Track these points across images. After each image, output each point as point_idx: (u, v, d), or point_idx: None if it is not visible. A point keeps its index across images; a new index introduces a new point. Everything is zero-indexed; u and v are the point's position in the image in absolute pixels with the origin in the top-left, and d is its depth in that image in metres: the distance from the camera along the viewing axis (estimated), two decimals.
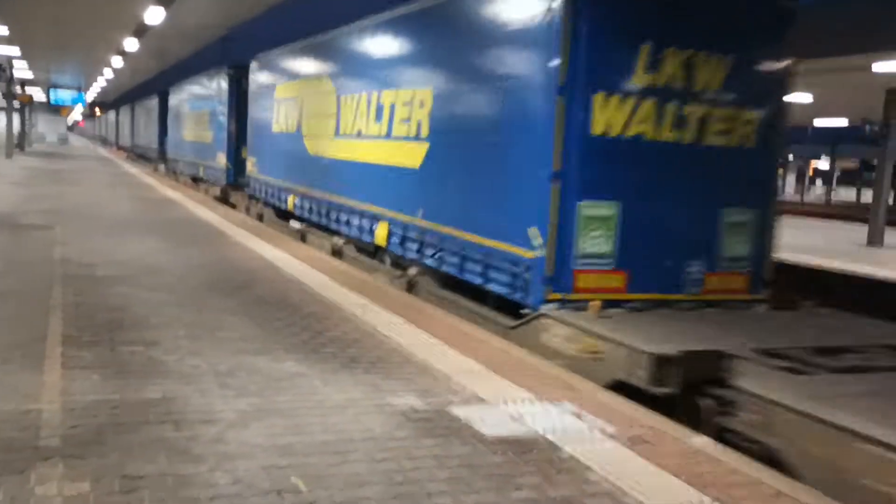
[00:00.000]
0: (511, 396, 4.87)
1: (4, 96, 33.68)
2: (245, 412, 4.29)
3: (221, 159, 20.02)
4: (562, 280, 6.70)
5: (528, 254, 6.87)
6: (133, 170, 31.35)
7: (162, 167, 31.31)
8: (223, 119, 19.67)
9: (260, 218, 16.29)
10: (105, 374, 4.79)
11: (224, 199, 19.75)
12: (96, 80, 44.17)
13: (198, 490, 3.31)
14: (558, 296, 6.69)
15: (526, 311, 6.91)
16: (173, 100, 28.59)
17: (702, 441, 4.24)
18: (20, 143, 40.99)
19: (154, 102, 32.58)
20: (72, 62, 34.99)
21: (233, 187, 19.56)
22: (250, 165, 17.24)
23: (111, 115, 66.05)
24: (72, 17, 19.25)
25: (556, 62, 6.56)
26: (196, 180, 23.88)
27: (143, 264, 8.91)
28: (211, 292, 7.60)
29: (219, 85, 20.18)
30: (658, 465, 3.85)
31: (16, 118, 38.53)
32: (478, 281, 7.72)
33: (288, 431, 4.05)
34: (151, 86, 38.20)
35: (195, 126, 23.44)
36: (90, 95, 55.97)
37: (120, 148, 53.23)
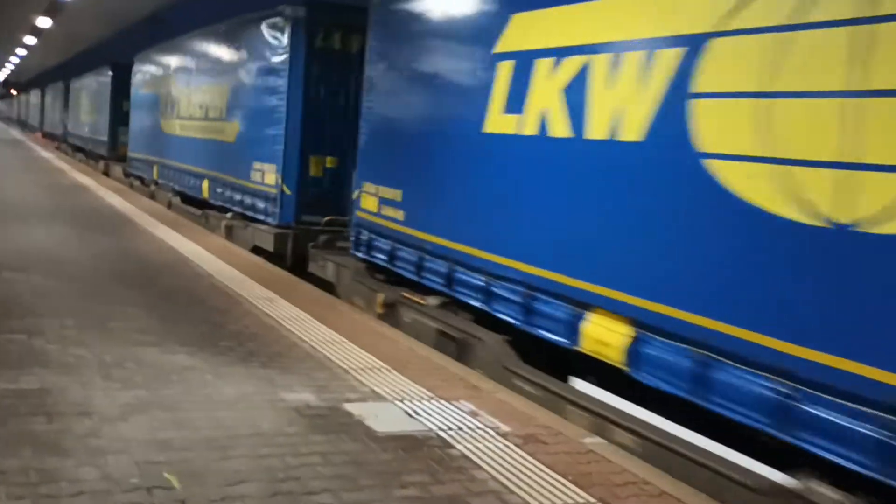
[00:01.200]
0: (410, 394, 4.79)
1: None
2: (127, 405, 4.09)
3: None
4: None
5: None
6: (45, 154, 30.09)
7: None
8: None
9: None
10: None
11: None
12: (9, 59, 42.18)
13: (61, 486, 3.12)
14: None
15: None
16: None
17: (593, 441, 4.24)
18: None
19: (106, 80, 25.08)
20: None
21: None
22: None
23: (34, 96, 56.06)
24: None
25: None
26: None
27: (44, 252, 8.50)
28: (112, 283, 7.29)
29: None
30: (547, 464, 3.83)
31: None
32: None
33: (170, 426, 3.87)
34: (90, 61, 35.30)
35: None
36: (2, 74, 53.43)
37: (46, 136, 43.22)
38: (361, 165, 7.91)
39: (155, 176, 16.30)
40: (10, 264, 7.59)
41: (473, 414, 4.52)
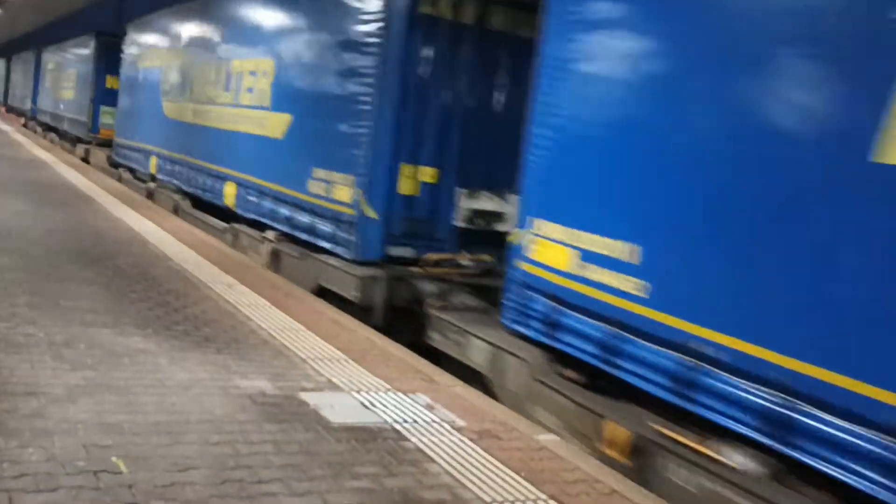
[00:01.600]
0: (366, 385, 4.77)
1: None
2: (75, 386, 4.01)
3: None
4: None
5: None
6: (4, 127, 29.38)
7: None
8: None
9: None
10: None
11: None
12: None
13: (3, 467, 3.04)
14: None
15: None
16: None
17: (547, 438, 4.26)
18: None
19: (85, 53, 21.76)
20: None
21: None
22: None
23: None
24: None
25: None
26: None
27: None
28: (65, 260, 7.14)
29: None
30: (501, 459, 3.84)
31: None
32: None
33: (119, 409, 3.80)
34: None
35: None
36: None
37: (11, 111, 39.08)
38: (533, 193, 5.16)
39: (152, 169, 13.75)
40: None
41: (429, 407, 4.52)
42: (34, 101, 30.76)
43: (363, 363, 5.24)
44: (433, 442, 3.97)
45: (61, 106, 24.78)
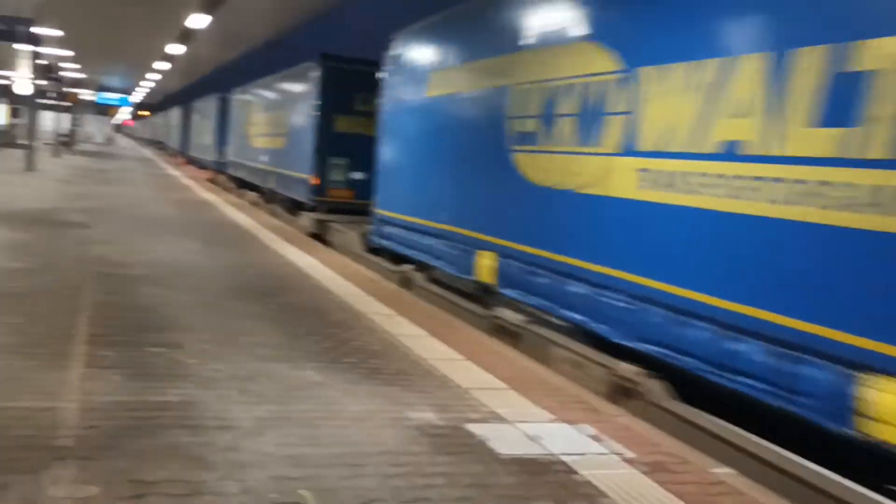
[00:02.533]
0: (530, 415, 4.80)
1: (55, 96, 34.54)
2: (262, 420, 4.28)
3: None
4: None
5: None
6: (174, 172, 31.87)
7: None
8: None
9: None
10: (126, 375, 4.82)
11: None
12: (142, 84, 44.99)
13: (206, 498, 3.30)
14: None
15: None
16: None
17: (724, 472, 4.12)
18: (68, 142, 41.93)
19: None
20: (120, 65, 35.73)
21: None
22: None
23: (174, 113, 47.26)
24: (121, 22, 19.66)
25: None
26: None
27: (175, 265, 9.01)
28: (239, 296, 7.64)
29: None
30: (676, 493, 3.75)
31: (65, 118, 39.46)
32: None
33: (302, 441, 4.02)
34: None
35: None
36: (137, 97, 57.00)
37: (192, 162, 35.70)
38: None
39: (485, 275, 7.83)
40: (157, 279, 8.08)
41: (596, 438, 4.48)
42: (220, 149, 26.26)
43: (525, 393, 5.27)
44: (604, 475, 3.93)
45: (263, 158, 19.80)
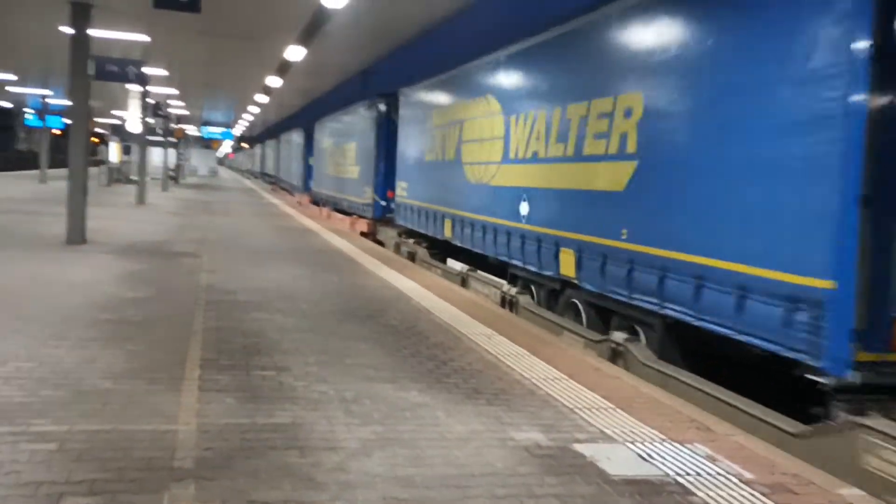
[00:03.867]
0: (640, 435, 4.66)
1: (162, 133, 36.35)
2: (368, 441, 4.32)
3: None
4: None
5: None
6: (274, 200, 32.95)
7: None
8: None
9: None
10: (238, 398, 4.96)
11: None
12: (243, 116, 46.77)
13: None
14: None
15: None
16: None
17: (852, 493, 3.87)
18: (175, 175, 44.02)
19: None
20: (222, 99, 37.31)
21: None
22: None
23: (288, 142, 43.13)
24: (222, 58, 20.54)
25: None
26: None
27: (280, 290, 9.26)
28: (342, 319, 7.78)
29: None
30: None
31: (171, 152, 41.47)
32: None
33: (409, 462, 4.03)
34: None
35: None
36: (238, 130, 59.32)
37: (322, 203, 27.36)
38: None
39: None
40: (262, 305, 8.33)
41: (711, 458, 4.30)
42: (379, 188, 19.27)
43: (632, 412, 5.13)
44: (722, 497, 3.77)
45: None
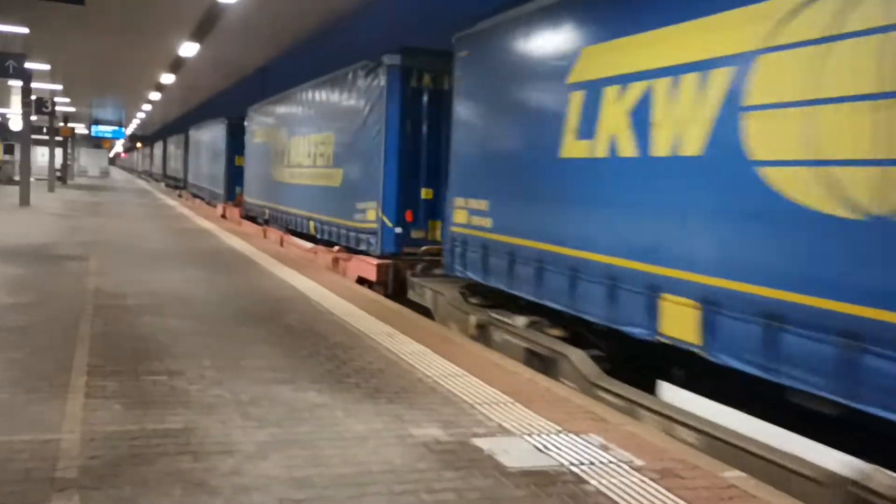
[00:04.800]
0: (537, 427, 4.75)
1: (47, 131, 34.59)
2: (264, 443, 4.23)
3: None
4: None
5: None
6: (171, 202, 31.87)
7: None
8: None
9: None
10: (126, 404, 4.77)
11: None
12: (136, 115, 45.08)
13: None
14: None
15: None
16: None
17: (734, 475, 4.07)
18: (62, 176, 41.96)
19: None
20: (112, 96, 35.83)
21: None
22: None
23: (199, 139, 35.16)
24: (110, 54, 19.72)
25: None
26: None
27: (174, 294, 8.96)
28: (240, 322, 7.60)
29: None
30: (688, 499, 3.70)
31: (58, 152, 39.48)
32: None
33: (307, 463, 3.97)
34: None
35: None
36: (131, 128, 57.14)
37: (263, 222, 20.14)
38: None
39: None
40: (154, 309, 8.04)
41: (604, 447, 4.43)
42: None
43: (530, 406, 5.23)
44: (613, 484, 3.88)
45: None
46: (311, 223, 14.32)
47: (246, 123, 21.87)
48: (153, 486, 3.57)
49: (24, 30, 15.34)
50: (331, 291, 9.71)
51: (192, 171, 35.18)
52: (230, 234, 17.67)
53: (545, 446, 4.41)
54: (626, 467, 4.13)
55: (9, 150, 40.25)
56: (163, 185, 50.14)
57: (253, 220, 20.28)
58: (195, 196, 33.22)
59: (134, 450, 4.02)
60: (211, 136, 28.56)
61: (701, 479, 4.00)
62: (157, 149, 63.03)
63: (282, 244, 16.05)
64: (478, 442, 4.43)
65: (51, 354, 5.91)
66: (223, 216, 24.25)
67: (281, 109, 17.40)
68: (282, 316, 7.99)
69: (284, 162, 16.66)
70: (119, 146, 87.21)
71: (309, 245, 14.31)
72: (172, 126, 50.95)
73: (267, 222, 18.57)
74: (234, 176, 24.01)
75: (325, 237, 13.36)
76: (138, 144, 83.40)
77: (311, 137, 14.53)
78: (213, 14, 13.93)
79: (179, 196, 34.98)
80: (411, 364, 6.23)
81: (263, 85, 25.03)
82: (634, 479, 3.96)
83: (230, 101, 28.16)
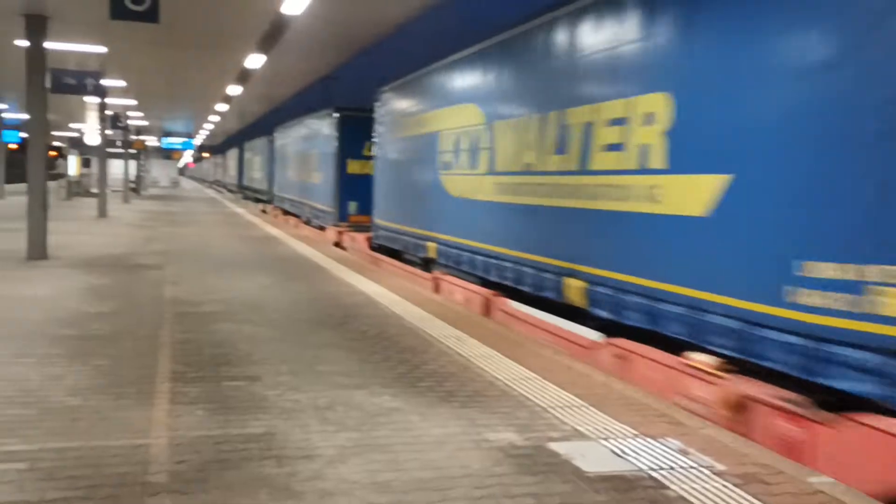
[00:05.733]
0: (613, 431, 4.71)
1: (121, 144, 35.84)
2: (343, 448, 4.31)
3: None
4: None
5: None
6: (238, 210, 32.63)
7: None
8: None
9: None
10: (209, 410, 4.92)
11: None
12: (203, 126, 46.30)
13: None
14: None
15: None
16: None
17: (822, 481, 3.96)
18: (136, 187, 43.41)
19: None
20: (181, 109, 36.89)
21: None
22: None
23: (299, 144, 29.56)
24: (181, 68, 20.32)
25: None
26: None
27: (248, 300, 9.19)
28: (312, 327, 7.74)
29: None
30: None
31: (132, 164, 40.88)
32: None
33: (386, 468, 4.03)
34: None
35: None
36: (198, 139, 58.71)
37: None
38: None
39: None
40: (230, 315, 8.25)
41: (683, 452, 4.37)
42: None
43: (605, 409, 5.19)
44: (695, 489, 3.83)
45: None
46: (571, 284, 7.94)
47: (378, 111, 15.63)
48: (239, 490, 3.68)
49: (103, 49, 15.94)
50: (400, 296, 9.80)
51: (279, 181, 29.70)
52: (298, 240, 17.93)
53: (622, 450, 4.37)
54: (708, 472, 4.06)
55: (86, 163, 41.81)
56: (240, 198, 45.64)
57: (392, 253, 14.42)
58: (286, 213, 27.19)
59: (219, 454, 4.14)
60: (310, 134, 22.54)
61: (787, 484, 3.91)
62: (230, 158, 58.10)
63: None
64: (554, 446, 4.42)
65: (135, 361, 6.13)
66: (339, 245, 17.62)
67: (465, 78, 11.12)
68: (353, 321, 8.11)
69: (480, 164, 10.39)
70: (188, 157, 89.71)
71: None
72: (239, 135, 52.04)
73: (428, 262, 12.41)
74: (348, 187, 18.66)
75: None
76: (205, 154, 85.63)
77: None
78: (279, 26, 14.21)
79: (263, 212, 29.92)
80: (482, 368, 6.25)
81: (327, 93, 25.51)
82: (716, 485, 3.89)
83: (292, 111, 28.66)
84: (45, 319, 7.70)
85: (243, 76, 21.09)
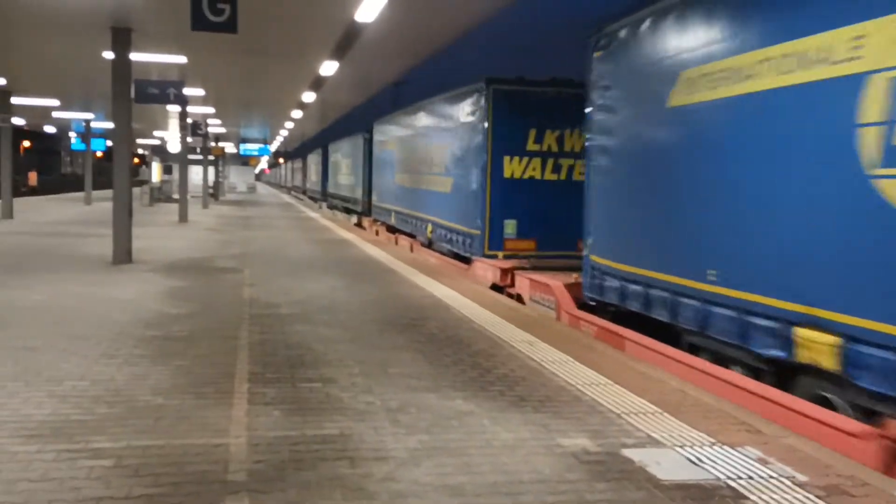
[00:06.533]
0: (688, 439, 4.62)
1: (200, 151, 36.98)
2: (415, 450, 4.34)
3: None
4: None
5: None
6: (313, 214, 33.26)
7: None
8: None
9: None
10: (286, 411, 5.03)
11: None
12: (279, 132, 47.33)
13: None
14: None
15: None
16: None
17: None
18: (214, 193, 44.71)
19: None
20: (258, 116, 37.83)
21: None
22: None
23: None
24: (258, 76, 20.86)
25: None
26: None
27: (321, 302, 9.35)
28: (383, 329, 7.83)
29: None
30: None
31: (211, 170, 42.14)
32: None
33: (458, 471, 4.04)
34: None
35: None
36: (274, 145, 60.09)
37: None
38: None
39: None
40: (305, 317, 8.42)
41: (762, 461, 4.25)
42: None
43: (680, 416, 5.09)
44: (775, 500, 3.72)
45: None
46: None
47: (599, 67, 9.34)
48: (315, 489, 3.75)
49: (183, 59, 16.50)
50: (469, 299, 9.82)
51: (379, 188, 24.93)
52: (370, 244, 18.14)
53: (699, 458, 4.28)
54: (789, 483, 3.94)
55: (167, 170, 43.34)
56: (326, 206, 41.16)
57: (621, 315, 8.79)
58: (392, 229, 21.94)
59: (295, 455, 4.23)
60: (436, 123, 17.18)
61: (874, 497, 3.76)
62: (312, 162, 50.80)
63: None
64: (628, 453, 4.36)
65: (214, 361, 6.31)
66: (505, 292, 11.68)
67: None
68: (423, 323, 8.17)
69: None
70: (263, 163, 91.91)
71: None
72: (320, 136, 51.82)
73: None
74: (504, 197, 13.05)
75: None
76: (280, 160, 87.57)
77: None
78: (352, 33, 14.43)
79: (358, 226, 26.56)
80: (553, 372, 6.21)
81: (396, 98, 25.72)
82: (798, 496, 3.77)
83: (364, 115, 29.40)
84: (130, 321, 8.00)
85: (317, 83, 21.50)
